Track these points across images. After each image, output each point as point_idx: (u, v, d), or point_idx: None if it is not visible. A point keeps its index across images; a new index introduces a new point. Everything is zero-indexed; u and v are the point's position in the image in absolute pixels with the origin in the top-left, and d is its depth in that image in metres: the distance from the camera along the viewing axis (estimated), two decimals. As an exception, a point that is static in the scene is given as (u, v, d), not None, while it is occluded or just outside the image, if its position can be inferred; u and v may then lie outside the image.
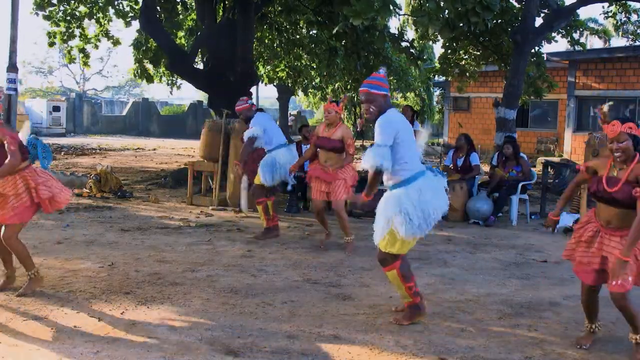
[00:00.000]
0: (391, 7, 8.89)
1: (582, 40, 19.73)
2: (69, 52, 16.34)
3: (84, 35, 15.93)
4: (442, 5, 9.19)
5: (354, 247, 7.06)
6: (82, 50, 16.36)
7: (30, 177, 4.87)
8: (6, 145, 4.71)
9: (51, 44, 15.75)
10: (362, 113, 4.43)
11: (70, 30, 15.35)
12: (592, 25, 27.16)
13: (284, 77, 20.43)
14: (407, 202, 4.27)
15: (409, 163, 4.38)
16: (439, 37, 13.77)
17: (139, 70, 16.88)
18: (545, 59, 18.98)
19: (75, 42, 16.07)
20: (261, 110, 8.09)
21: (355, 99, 25.15)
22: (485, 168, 12.47)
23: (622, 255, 3.76)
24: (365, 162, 4.32)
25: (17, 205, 4.83)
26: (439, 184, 4.47)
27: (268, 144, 7.51)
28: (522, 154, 9.78)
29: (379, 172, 4.35)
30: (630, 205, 3.81)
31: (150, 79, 17.56)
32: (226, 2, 14.04)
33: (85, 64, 17.12)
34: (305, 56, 17.96)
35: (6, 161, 4.72)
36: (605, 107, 4.04)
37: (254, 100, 7.90)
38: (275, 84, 23.66)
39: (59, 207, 5.09)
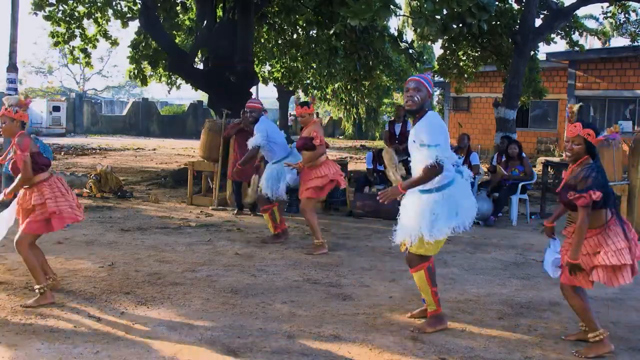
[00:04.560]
0: (391, 7, 8.88)
1: (582, 40, 19.70)
2: (71, 52, 16.28)
3: (85, 35, 15.89)
4: (437, 6, 9.15)
5: (355, 248, 7.06)
6: (84, 51, 16.32)
7: (46, 189, 4.79)
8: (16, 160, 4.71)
9: (56, 44, 15.73)
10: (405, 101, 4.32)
11: (70, 31, 15.32)
12: (592, 23, 27.14)
13: (279, 78, 20.44)
14: (438, 209, 4.24)
15: (445, 170, 4.32)
16: (436, 39, 13.79)
17: (136, 72, 16.84)
18: (545, 58, 19.02)
19: (77, 43, 16.04)
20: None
21: (355, 98, 25.11)
22: (485, 168, 12.46)
23: (570, 259, 3.96)
24: (426, 160, 4.17)
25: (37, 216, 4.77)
26: (467, 188, 4.49)
27: (272, 154, 7.34)
28: (523, 154, 9.79)
29: (436, 173, 4.20)
30: (570, 207, 4.05)
31: (145, 81, 17.44)
32: (226, 2, 14.04)
33: (88, 64, 17.05)
34: (301, 57, 17.93)
35: (18, 176, 4.74)
36: (575, 107, 4.26)
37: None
38: (269, 84, 23.63)
39: (63, 223, 4.88)
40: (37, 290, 4.81)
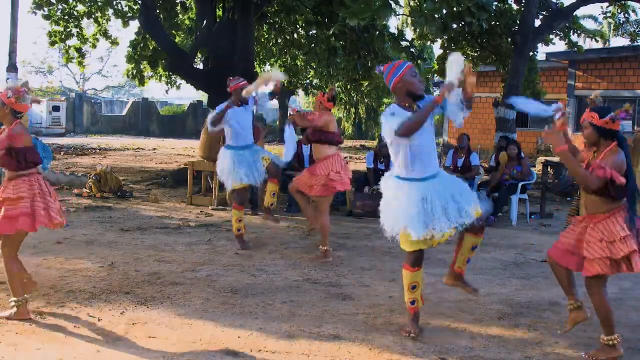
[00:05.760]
0: (392, 5, 8.86)
1: (580, 41, 19.70)
2: (67, 51, 16.28)
3: (82, 35, 15.88)
4: (437, 5, 9.15)
5: (355, 248, 7.05)
6: (79, 51, 16.30)
7: (24, 186, 4.43)
8: None
9: (52, 44, 15.72)
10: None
11: (68, 30, 15.31)
12: (591, 23, 27.10)
13: None
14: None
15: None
16: (436, 38, 13.79)
17: (135, 72, 16.82)
18: (545, 58, 19.00)
19: (73, 42, 16.03)
20: None
21: (355, 98, 25.12)
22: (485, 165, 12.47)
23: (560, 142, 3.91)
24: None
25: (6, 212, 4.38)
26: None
27: (241, 138, 7.00)
28: (522, 154, 9.79)
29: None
30: (595, 192, 3.98)
31: (143, 81, 17.40)
32: (226, 2, 14.04)
33: (81, 64, 17.02)
34: (301, 57, 17.92)
35: None
36: (593, 95, 4.39)
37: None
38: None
39: (33, 225, 4.41)
40: (13, 304, 4.47)
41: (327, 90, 6.98)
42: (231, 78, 7.29)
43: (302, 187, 6.72)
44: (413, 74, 4.28)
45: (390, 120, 4.14)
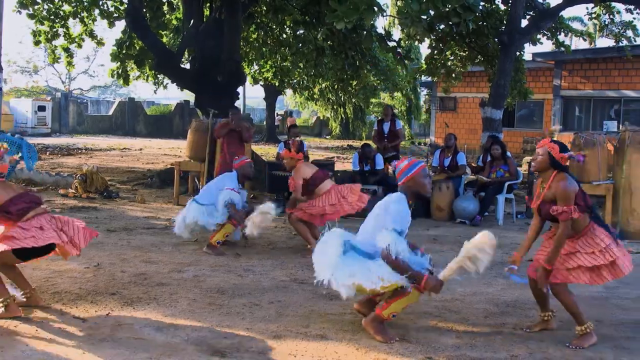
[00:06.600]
0: (375, 9, 8.88)
1: (567, 41, 19.82)
2: (52, 51, 16.14)
3: (68, 34, 15.75)
4: (423, 6, 9.17)
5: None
6: (66, 50, 16.17)
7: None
8: None
9: (36, 43, 15.56)
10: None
11: (54, 30, 15.17)
12: (577, 25, 27.33)
13: (269, 78, 20.39)
14: None
15: None
16: (423, 38, 13.80)
17: (119, 71, 16.69)
18: (531, 58, 19.11)
19: (60, 42, 15.90)
20: None
21: (342, 98, 25.15)
22: (473, 164, 12.51)
23: (544, 262, 4.22)
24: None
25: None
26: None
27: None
28: (508, 154, 9.84)
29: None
30: (552, 219, 4.29)
31: (127, 80, 17.27)
32: (213, 2, 13.99)
33: (70, 64, 16.89)
34: (290, 57, 17.92)
35: None
36: (553, 128, 4.60)
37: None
38: (260, 84, 23.64)
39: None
40: (0, 304, 4.48)
41: (290, 146, 7.06)
42: (236, 157, 7.44)
43: (300, 215, 6.83)
44: (425, 175, 4.40)
45: (395, 237, 4.25)
